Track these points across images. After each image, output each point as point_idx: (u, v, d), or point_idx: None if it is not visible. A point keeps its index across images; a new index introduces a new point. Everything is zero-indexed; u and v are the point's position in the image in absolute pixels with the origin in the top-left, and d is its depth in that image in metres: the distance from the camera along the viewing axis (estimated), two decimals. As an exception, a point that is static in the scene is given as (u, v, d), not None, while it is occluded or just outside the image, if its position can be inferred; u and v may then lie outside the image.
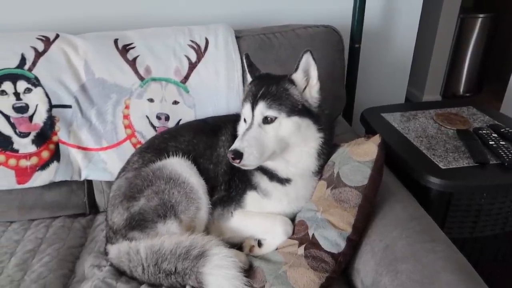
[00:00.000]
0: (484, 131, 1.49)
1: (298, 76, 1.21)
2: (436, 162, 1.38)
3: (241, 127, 1.27)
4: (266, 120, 1.15)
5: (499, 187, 1.33)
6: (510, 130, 1.50)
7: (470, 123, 1.62)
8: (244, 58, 1.30)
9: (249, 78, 1.31)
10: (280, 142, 1.17)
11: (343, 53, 1.68)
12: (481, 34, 3.82)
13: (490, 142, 1.42)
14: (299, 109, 1.18)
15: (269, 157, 1.17)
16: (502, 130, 1.51)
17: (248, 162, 1.12)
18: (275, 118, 1.15)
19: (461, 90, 4.08)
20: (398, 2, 1.94)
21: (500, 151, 1.37)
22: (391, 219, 1.14)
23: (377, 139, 1.14)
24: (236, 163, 1.12)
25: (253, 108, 1.16)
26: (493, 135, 1.47)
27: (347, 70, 1.85)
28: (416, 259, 1.00)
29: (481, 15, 3.76)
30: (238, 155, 1.10)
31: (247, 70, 1.29)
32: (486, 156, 1.37)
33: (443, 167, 1.36)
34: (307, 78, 1.21)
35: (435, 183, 1.30)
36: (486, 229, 1.41)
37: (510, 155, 1.35)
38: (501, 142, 1.42)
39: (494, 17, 3.79)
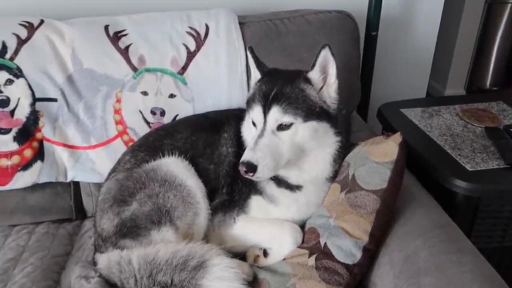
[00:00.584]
0: (516, 129, 1.49)
1: (315, 74, 1.20)
2: (463, 164, 1.39)
3: (247, 130, 1.26)
4: (281, 127, 1.14)
5: (533, 192, 1.33)
6: (545, 128, 1.49)
7: (500, 120, 1.62)
8: (248, 51, 1.29)
9: (255, 74, 1.30)
10: (295, 149, 1.16)
11: (359, 41, 1.68)
12: (510, 22, 3.81)
13: (523, 141, 1.42)
14: (316, 112, 1.17)
15: (283, 166, 1.16)
16: (535, 127, 1.51)
17: (262, 174, 1.11)
18: (291, 124, 1.14)
19: (488, 84, 4.06)
20: (420, -15, 1.95)
21: (533, 151, 1.37)
22: (412, 227, 1.15)
23: (397, 137, 1.14)
24: (249, 176, 1.11)
25: (265, 112, 1.15)
26: (526, 133, 1.47)
27: (363, 60, 1.85)
28: (441, 271, 1.01)
29: (510, 1, 3.75)
30: (252, 168, 1.09)
31: (254, 65, 1.27)
32: (518, 157, 1.37)
33: (470, 169, 1.37)
34: (325, 76, 1.20)
35: (461, 186, 1.31)
36: (517, 238, 1.41)
37: (545, 156, 1.34)
38: (534, 141, 1.42)
39: (525, 3, 3.78)
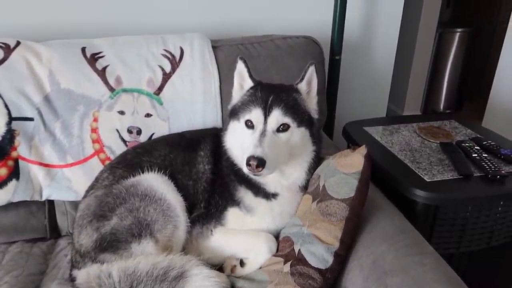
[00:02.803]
0: (467, 144, 1.62)
1: (302, 86, 1.31)
2: (421, 175, 1.48)
3: (236, 134, 1.30)
4: (279, 129, 1.22)
5: (484, 199, 1.45)
6: (492, 143, 1.63)
7: (453, 136, 1.75)
8: (241, 61, 1.33)
9: (246, 83, 1.34)
10: (288, 152, 1.24)
11: (323, 65, 1.79)
12: (460, 49, 4.09)
13: (473, 155, 1.55)
14: (306, 120, 1.27)
15: (278, 167, 1.22)
16: (484, 143, 1.64)
17: (268, 170, 1.15)
18: (289, 127, 1.22)
19: (441, 107, 4.32)
20: (378, 14, 2.09)
21: (483, 163, 1.50)
22: (378, 233, 1.21)
23: (363, 150, 1.22)
24: (257, 172, 1.13)
25: (265, 114, 1.21)
26: (475, 147, 1.60)
27: (328, 83, 1.95)
28: (406, 272, 1.07)
29: (459, 30, 4.04)
30: (262, 162, 1.12)
31: (247, 74, 1.33)
32: (469, 169, 1.49)
33: (428, 180, 1.46)
34: (309, 90, 1.32)
35: (420, 196, 1.40)
36: (472, 244, 1.51)
37: (493, 167, 1.47)
38: (483, 155, 1.55)
39: (472, 32, 4.08)
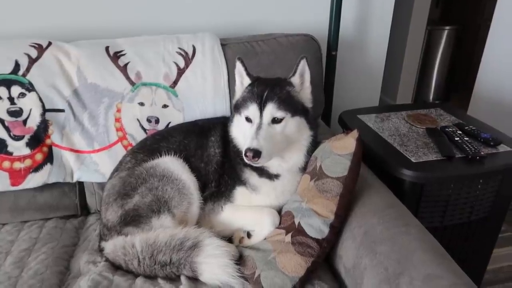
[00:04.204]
0: (450, 129, 1.63)
1: (295, 79, 1.32)
2: (408, 157, 1.49)
3: (238, 127, 1.33)
4: (274, 120, 1.24)
5: (464, 178, 1.46)
6: (473, 128, 1.64)
7: (438, 122, 1.75)
8: (238, 61, 1.36)
9: (245, 81, 1.36)
10: (285, 140, 1.26)
11: (321, 60, 1.79)
12: (448, 45, 4.06)
13: (456, 138, 1.56)
14: (299, 109, 1.29)
15: (275, 154, 1.25)
16: (466, 128, 1.65)
17: (264, 160, 1.18)
18: (283, 118, 1.24)
19: (431, 98, 4.30)
20: (370, 13, 2.09)
21: (464, 146, 1.51)
22: (369, 208, 1.23)
23: (355, 133, 1.24)
24: (254, 162, 1.17)
25: (261, 109, 1.23)
26: (458, 132, 1.61)
27: (325, 76, 1.96)
28: (393, 241, 1.10)
29: (447, 27, 4.01)
30: (258, 153, 1.15)
31: (244, 72, 1.35)
32: (452, 151, 1.49)
33: (414, 161, 1.47)
34: (302, 82, 1.33)
35: (407, 175, 1.41)
36: (454, 218, 1.53)
37: (473, 149, 1.48)
38: (465, 138, 1.56)
39: (460, 29, 4.04)
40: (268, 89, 1.26)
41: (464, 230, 1.59)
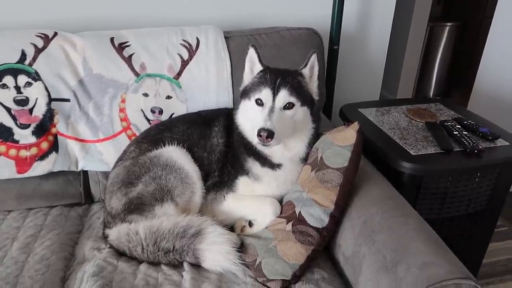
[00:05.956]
0: (449, 123, 1.64)
1: (306, 71, 1.35)
2: (408, 150, 1.51)
3: (247, 112, 1.33)
4: (286, 106, 1.26)
5: (462, 171, 1.48)
6: (471, 122, 1.66)
7: (437, 117, 1.76)
8: (252, 48, 1.36)
9: (256, 67, 1.37)
10: (292, 127, 1.28)
11: (323, 54, 1.81)
12: (449, 42, 4.07)
13: (455, 132, 1.57)
14: (308, 100, 1.32)
15: (283, 139, 1.27)
16: (465, 122, 1.67)
17: (276, 141, 1.19)
18: (293, 105, 1.27)
19: (431, 94, 4.31)
20: (372, 9, 2.10)
21: (463, 139, 1.52)
22: (368, 199, 1.25)
23: (355, 126, 1.25)
24: (266, 142, 1.18)
25: (274, 94, 1.25)
26: (457, 126, 1.62)
27: (327, 69, 1.98)
28: (391, 230, 1.12)
29: (449, 24, 4.02)
30: (271, 134, 1.17)
31: (257, 59, 1.36)
32: (450, 144, 1.51)
33: (413, 154, 1.49)
34: (311, 75, 1.36)
35: (406, 167, 1.43)
36: (451, 210, 1.55)
37: (471, 143, 1.50)
38: (463, 132, 1.58)
39: (461, 26, 4.05)
40: (281, 75, 1.29)
41: (462, 222, 1.61)
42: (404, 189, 1.42)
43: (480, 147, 1.49)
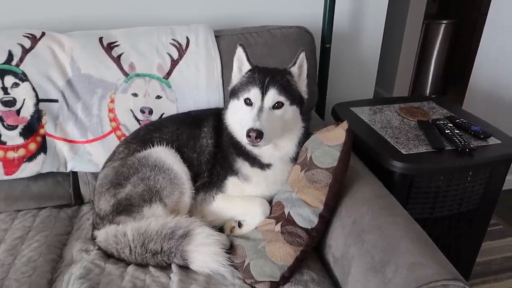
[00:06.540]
0: (441, 122, 1.63)
1: (295, 70, 1.34)
2: (399, 149, 1.50)
3: (236, 112, 1.32)
4: (275, 105, 1.25)
5: (454, 170, 1.47)
6: (464, 121, 1.65)
7: (430, 115, 1.75)
8: (240, 47, 1.35)
9: (244, 66, 1.36)
10: (281, 127, 1.27)
11: (315, 52, 1.79)
12: (445, 39, 4.06)
13: (446, 131, 1.56)
14: (297, 99, 1.31)
15: (273, 139, 1.26)
16: (457, 120, 1.66)
17: (265, 141, 1.18)
18: (283, 104, 1.26)
19: (427, 92, 4.30)
20: (365, 7, 2.08)
21: (454, 138, 1.52)
22: (358, 198, 1.25)
23: (344, 125, 1.24)
24: (255, 143, 1.17)
25: (263, 93, 1.24)
26: (449, 125, 1.61)
27: (319, 68, 1.96)
28: (381, 230, 1.11)
29: (444, 21, 4.01)
30: (260, 134, 1.16)
31: (245, 58, 1.35)
32: (442, 143, 1.50)
33: (404, 153, 1.47)
34: (300, 74, 1.35)
35: (397, 166, 1.42)
36: (444, 209, 1.55)
37: (463, 142, 1.49)
38: (455, 131, 1.57)
39: (457, 24, 4.04)
40: (270, 75, 1.28)
41: (454, 221, 1.60)
42: (396, 189, 1.42)
43: (472, 145, 1.48)
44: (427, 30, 3.98)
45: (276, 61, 1.61)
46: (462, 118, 1.67)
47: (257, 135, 1.15)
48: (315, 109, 1.95)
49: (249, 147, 1.28)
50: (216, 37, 1.67)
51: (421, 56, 4.09)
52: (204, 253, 1.18)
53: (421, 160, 1.45)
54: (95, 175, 1.56)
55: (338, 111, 1.82)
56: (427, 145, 1.52)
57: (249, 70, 1.34)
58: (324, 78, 2.02)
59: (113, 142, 1.55)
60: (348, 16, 2.07)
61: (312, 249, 1.24)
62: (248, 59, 1.35)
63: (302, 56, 1.33)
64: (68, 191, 1.59)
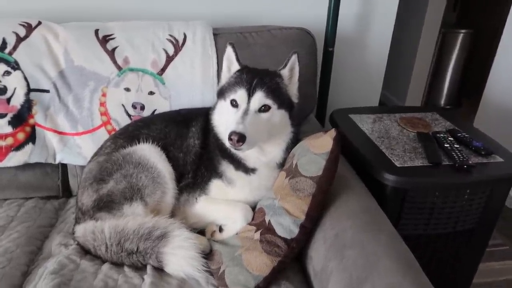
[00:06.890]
0: (441, 135, 1.56)
1: (285, 72, 1.30)
2: (393, 161, 1.44)
3: (221, 114, 1.30)
4: (261, 109, 1.21)
5: (451, 186, 1.40)
6: (465, 135, 1.57)
7: (431, 127, 1.68)
8: (230, 46, 1.32)
9: (233, 66, 1.33)
10: (268, 131, 1.24)
11: (316, 55, 1.74)
12: (462, 49, 3.94)
13: (445, 145, 1.49)
14: (286, 103, 1.27)
15: (257, 144, 1.22)
16: (459, 134, 1.58)
17: (248, 145, 1.15)
18: (269, 108, 1.22)
19: (442, 103, 4.18)
20: (372, 10, 2.02)
21: (453, 153, 1.44)
22: (344, 210, 1.20)
23: (332, 133, 1.20)
24: (237, 146, 1.13)
25: (249, 95, 1.20)
26: (449, 138, 1.54)
27: (321, 72, 1.92)
28: (362, 246, 1.07)
29: (462, 31, 3.89)
30: (243, 138, 1.12)
31: (235, 58, 1.31)
32: (439, 157, 1.43)
33: (398, 165, 1.41)
34: (291, 76, 1.31)
35: (389, 179, 1.36)
36: (438, 226, 1.48)
37: (461, 157, 1.42)
38: (455, 145, 1.49)
39: (474, 34, 3.92)
40: (258, 76, 1.24)
41: (450, 240, 1.53)
42: (388, 202, 1.38)
43: (471, 162, 1.41)
44: (444, 39, 3.87)
45: (275, 62, 1.55)
46: (464, 133, 1.60)
47: (238, 138, 1.12)
48: (316, 114, 1.91)
49: (233, 149, 1.24)
50: (215, 35, 1.64)
51: (437, 65, 3.97)
52: (180, 257, 1.15)
53: (415, 174, 1.39)
54: (83, 169, 1.54)
55: (336, 117, 1.76)
56: (423, 158, 1.46)
57: (238, 71, 1.31)
58: (326, 83, 1.97)
59: (103, 136, 1.53)
60: (354, 19, 2.02)
61: (294, 259, 1.20)
62: (238, 59, 1.32)
63: (294, 58, 1.28)
64: (56, 182, 1.58)
